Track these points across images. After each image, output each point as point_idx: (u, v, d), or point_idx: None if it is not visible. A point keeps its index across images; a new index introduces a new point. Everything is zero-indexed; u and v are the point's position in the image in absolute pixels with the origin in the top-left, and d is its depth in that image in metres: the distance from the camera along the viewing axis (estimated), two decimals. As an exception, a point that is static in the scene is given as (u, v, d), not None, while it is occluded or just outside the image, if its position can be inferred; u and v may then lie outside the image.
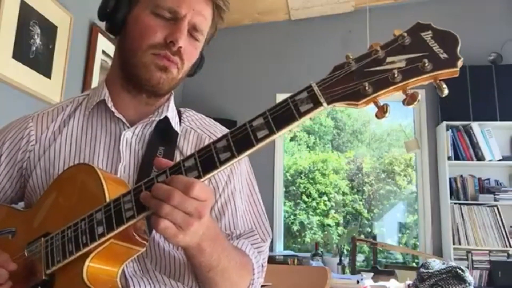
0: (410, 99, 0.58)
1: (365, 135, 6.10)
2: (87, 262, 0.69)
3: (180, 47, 0.82)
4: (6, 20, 1.97)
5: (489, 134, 3.52)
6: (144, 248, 0.73)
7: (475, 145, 3.52)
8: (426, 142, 3.80)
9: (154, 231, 0.81)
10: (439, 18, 3.92)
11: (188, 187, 0.62)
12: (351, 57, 0.61)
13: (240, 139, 0.62)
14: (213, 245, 0.71)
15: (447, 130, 3.58)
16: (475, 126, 3.52)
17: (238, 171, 0.93)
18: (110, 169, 0.86)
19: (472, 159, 3.53)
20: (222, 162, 0.62)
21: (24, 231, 0.81)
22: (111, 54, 2.95)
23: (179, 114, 0.97)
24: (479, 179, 3.58)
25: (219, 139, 0.63)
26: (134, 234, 0.70)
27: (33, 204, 0.86)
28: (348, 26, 4.00)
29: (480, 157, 3.50)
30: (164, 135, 0.89)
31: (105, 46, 2.77)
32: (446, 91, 0.57)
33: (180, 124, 0.94)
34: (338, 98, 0.59)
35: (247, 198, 0.95)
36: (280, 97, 4.08)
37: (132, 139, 0.88)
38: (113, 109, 0.88)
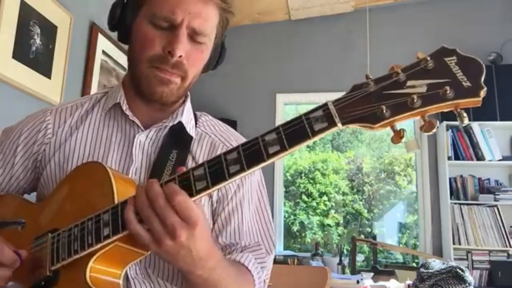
0: (428, 126, 0.56)
1: (365, 135, 6.10)
2: (90, 263, 0.69)
3: (180, 56, 0.80)
4: (6, 20, 1.97)
5: (489, 134, 3.52)
6: (149, 252, 0.72)
7: (475, 145, 3.52)
8: (426, 142, 3.80)
9: None
10: (439, 18, 3.94)
11: (172, 194, 0.61)
12: (370, 77, 0.59)
13: (251, 153, 0.61)
14: (211, 273, 0.69)
15: (447, 130, 3.58)
16: (475, 126, 3.52)
17: (248, 180, 0.92)
18: (122, 170, 0.86)
19: (472, 159, 3.52)
20: (231, 175, 0.61)
21: (33, 225, 0.82)
22: (111, 54, 2.96)
23: (195, 118, 0.96)
24: (479, 179, 3.58)
25: (230, 151, 0.63)
26: None
27: (44, 198, 0.87)
28: (348, 26, 4.00)
29: (480, 157, 3.50)
30: (178, 139, 0.89)
31: (105, 46, 2.77)
32: (466, 121, 0.55)
33: (195, 129, 0.94)
34: (353, 119, 0.58)
35: (255, 208, 0.94)
36: (280, 97, 4.09)
37: (145, 142, 0.88)
38: (127, 112, 0.88)
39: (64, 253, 0.71)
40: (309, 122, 0.58)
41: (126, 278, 0.79)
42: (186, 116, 0.92)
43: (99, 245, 0.68)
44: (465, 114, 0.55)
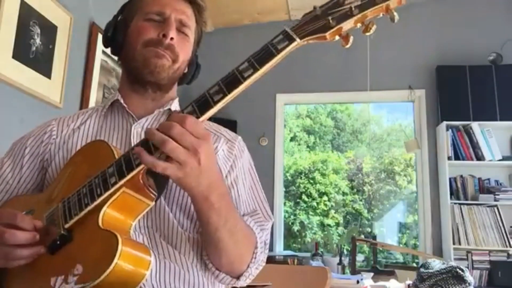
0: (367, 28, 0.70)
1: (365, 135, 6.10)
2: (103, 209, 0.73)
3: (172, 38, 0.94)
4: (6, 20, 1.97)
5: (489, 134, 3.52)
6: (153, 203, 0.78)
7: (475, 145, 3.52)
8: (426, 142, 3.80)
9: (163, 203, 0.88)
10: (439, 18, 3.94)
11: (182, 119, 0.69)
12: (316, 6, 0.73)
13: (229, 81, 0.71)
14: (221, 201, 0.76)
15: (447, 130, 3.58)
16: (475, 126, 3.52)
17: (240, 164, 0.99)
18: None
19: (472, 159, 3.52)
20: (216, 102, 0.70)
21: (42, 207, 0.85)
22: (111, 54, 2.94)
23: None
24: (479, 179, 3.58)
25: (212, 86, 0.72)
26: (144, 185, 0.75)
27: (49, 185, 0.92)
28: (348, 26, 3.99)
29: (480, 157, 3.50)
30: None
31: (105, 46, 2.77)
32: (396, 17, 0.69)
33: None
34: (308, 33, 0.71)
35: (250, 186, 1.01)
36: (280, 97, 4.09)
37: (142, 133, 0.96)
38: (124, 104, 0.98)
39: (76, 209, 0.76)
40: (273, 45, 0.72)
41: None
42: (174, 108, 1.02)
43: (108, 193, 0.72)
44: (395, 13, 0.69)
